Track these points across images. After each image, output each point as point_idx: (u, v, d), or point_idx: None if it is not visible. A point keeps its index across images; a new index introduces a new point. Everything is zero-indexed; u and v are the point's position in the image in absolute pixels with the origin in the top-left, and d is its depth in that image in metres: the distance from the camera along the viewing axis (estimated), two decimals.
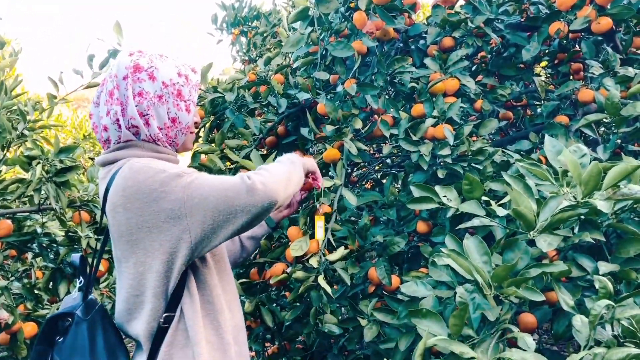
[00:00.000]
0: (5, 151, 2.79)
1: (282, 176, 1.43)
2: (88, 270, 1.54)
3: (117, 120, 1.39)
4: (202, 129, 2.65)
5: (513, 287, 1.42)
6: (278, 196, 1.36)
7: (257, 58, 5.39)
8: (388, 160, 3.09)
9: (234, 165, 2.35)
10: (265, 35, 4.04)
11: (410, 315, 1.54)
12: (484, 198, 1.87)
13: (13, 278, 3.17)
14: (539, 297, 1.41)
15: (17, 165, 2.84)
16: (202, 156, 2.58)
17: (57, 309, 1.54)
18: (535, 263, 1.51)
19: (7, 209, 2.91)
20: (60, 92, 3.02)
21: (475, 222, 1.87)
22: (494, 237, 1.95)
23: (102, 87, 1.44)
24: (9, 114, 3.48)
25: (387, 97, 2.24)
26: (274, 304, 2.83)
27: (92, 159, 7.63)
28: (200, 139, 2.69)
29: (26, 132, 2.96)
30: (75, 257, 1.57)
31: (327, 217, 2.05)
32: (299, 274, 1.95)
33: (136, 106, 1.38)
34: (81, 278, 1.52)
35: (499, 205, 1.87)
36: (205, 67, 2.66)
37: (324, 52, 2.31)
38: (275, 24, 4.00)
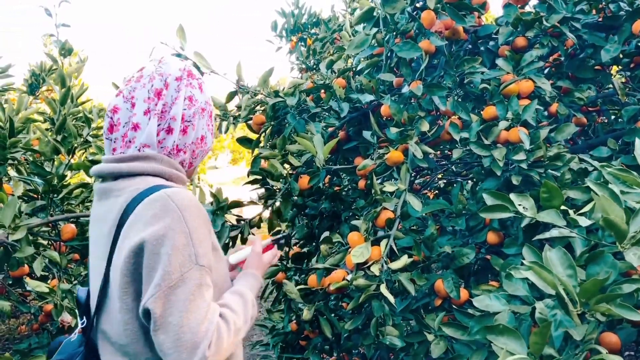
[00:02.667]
0: (70, 156, 2.83)
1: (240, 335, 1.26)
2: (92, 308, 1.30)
3: (156, 118, 1.28)
4: (263, 134, 2.60)
5: (604, 303, 1.28)
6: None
7: (314, 66, 5.37)
8: (453, 168, 2.96)
9: (295, 171, 2.29)
10: (324, 41, 3.99)
11: (486, 331, 1.42)
12: (562, 207, 1.73)
13: (76, 282, 3.22)
14: (636, 316, 1.26)
15: (82, 170, 2.88)
16: (262, 161, 2.54)
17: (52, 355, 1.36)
18: (627, 278, 1.36)
19: (72, 213, 2.95)
20: None
21: (554, 232, 1.73)
22: (571, 249, 1.80)
23: (140, 83, 1.30)
24: (74, 120, 3.55)
25: (456, 98, 2.13)
26: (333, 314, 2.75)
27: None
28: (261, 144, 2.65)
29: (90, 139, 3.00)
30: (82, 291, 1.37)
31: (390, 224, 1.96)
32: (360, 281, 1.86)
33: (183, 109, 1.31)
34: (84, 318, 1.32)
35: (579, 215, 1.73)
36: (266, 72, 2.63)
37: (389, 54, 2.22)
38: (334, 30, 3.94)
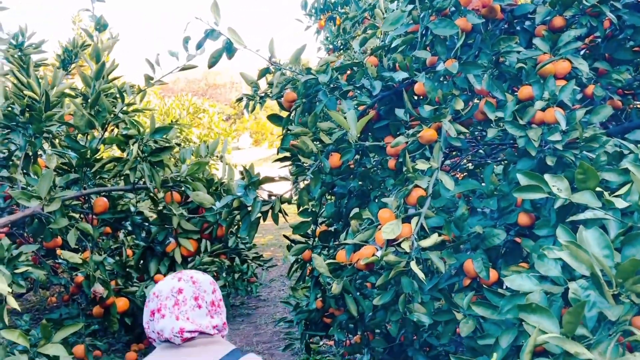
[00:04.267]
0: (103, 131, 2.87)
1: None
2: None
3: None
4: (294, 112, 2.61)
5: None
6: None
7: (341, 46, 5.34)
8: (482, 151, 2.94)
9: (326, 149, 2.30)
10: (354, 20, 3.97)
11: (519, 310, 1.42)
12: (597, 189, 1.71)
13: (106, 255, 3.29)
14: None
15: (115, 144, 2.92)
16: (292, 139, 2.55)
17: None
18: None
19: (104, 187, 3.00)
20: (156, 75, 3.08)
21: (588, 214, 1.71)
22: (605, 232, 1.78)
23: (185, 306, 1.65)
24: (105, 96, 3.59)
25: (491, 77, 2.10)
26: (358, 293, 2.77)
27: (179, 144, 7.88)
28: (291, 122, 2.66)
29: (121, 115, 3.03)
30: None
31: (421, 202, 1.95)
32: (391, 257, 1.86)
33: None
34: None
35: (615, 197, 1.72)
36: (298, 50, 2.62)
37: (424, 31, 2.20)
38: (365, 9, 3.91)
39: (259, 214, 2.16)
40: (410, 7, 2.18)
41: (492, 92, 2.11)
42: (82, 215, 3.11)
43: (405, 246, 1.84)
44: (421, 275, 1.77)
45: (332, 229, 2.91)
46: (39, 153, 3.14)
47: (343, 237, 2.14)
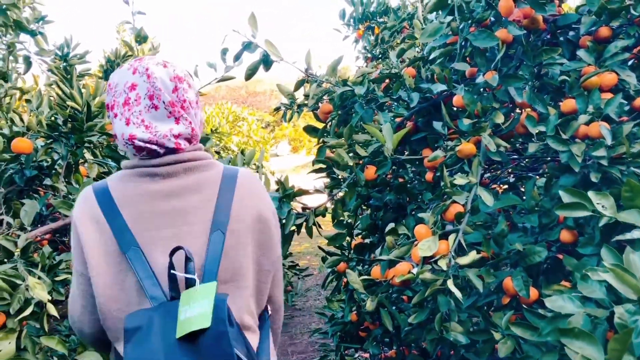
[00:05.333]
0: None
1: None
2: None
3: (190, 122, 1.39)
4: (330, 123, 2.59)
5: None
6: None
7: (380, 55, 5.30)
8: (524, 163, 2.85)
9: (362, 161, 2.27)
10: (393, 30, 3.94)
11: (560, 334, 1.36)
12: None
13: None
14: None
15: None
16: (328, 150, 2.53)
17: None
18: None
19: None
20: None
21: (635, 234, 1.64)
22: None
23: (137, 107, 1.34)
24: None
25: (533, 90, 2.04)
26: (394, 307, 2.72)
27: (218, 152, 7.97)
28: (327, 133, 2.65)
29: None
30: (187, 248, 1.43)
31: (459, 218, 1.90)
32: (427, 275, 1.82)
33: (190, 115, 1.40)
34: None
35: None
36: (335, 61, 2.61)
37: (463, 43, 2.15)
38: (403, 18, 3.88)
39: (293, 227, 2.15)
40: (449, 18, 2.14)
41: (533, 105, 2.05)
42: None
43: (442, 264, 1.79)
44: (458, 294, 1.73)
45: (367, 241, 2.88)
46: (80, 162, 3.21)
47: (378, 252, 2.11)
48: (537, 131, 1.98)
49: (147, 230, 1.30)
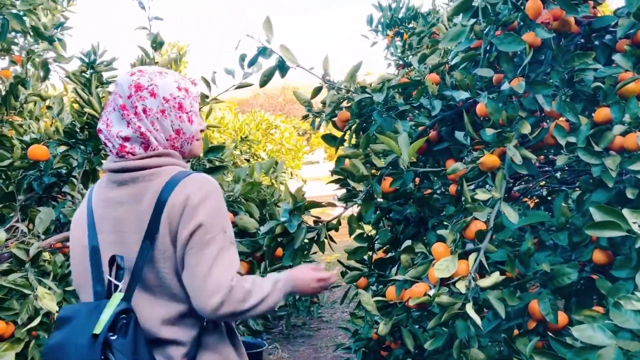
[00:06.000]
0: None
1: (260, 302, 1.46)
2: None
3: (139, 128, 1.47)
4: (348, 132, 2.48)
5: None
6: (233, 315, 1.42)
7: (411, 62, 5.16)
8: (557, 175, 2.68)
9: (379, 172, 2.15)
10: (421, 36, 3.80)
11: None
12: None
13: None
14: None
15: None
16: (346, 160, 2.42)
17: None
18: None
19: None
20: (212, 93, 3.04)
21: None
22: None
23: (109, 107, 1.53)
24: None
25: (563, 98, 1.89)
26: (417, 325, 2.58)
27: (248, 160, 7.94)
28: (345, 143, 2.53)
29: None
30: (119, 256, 1.60)
31: (481, 236, 1.76)
32: (444, 298, 1.68)
33: (146, 121, 1.48)
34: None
35: None
36: (354, 67, 2.49)
37: (487, 47, 2.01)
38: (433, 23, 3.73)
39: (304, 242, 2.03)
40: (473, 21, 2.00)
41: (564, 114, 1.89)
42: None
43: (461, 286, 1.65)
44: (478, 320, 1.59)
45: (388, 256, 2.74)
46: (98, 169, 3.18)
47: (393, 271, 1.98)
48: (566, 142, 1.82)
49: (102, 232, 1.49)
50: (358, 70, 2.46)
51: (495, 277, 1.72)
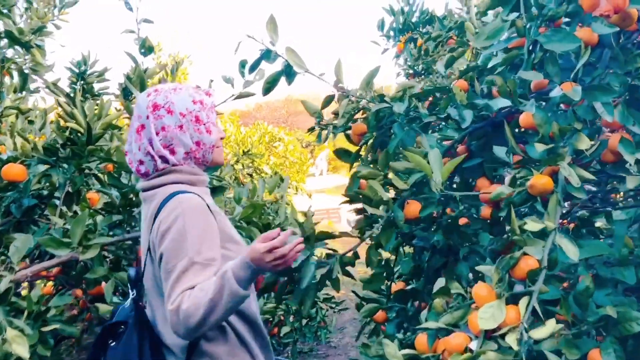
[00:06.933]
0: None
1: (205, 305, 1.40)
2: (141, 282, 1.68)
3: (149, 152, 1.58)
4: (365, 146, 2.16)
5: None
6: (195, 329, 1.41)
7: (423, 71, 4.85)
8: (629, 200, 2.35)
9: (402, 195, 1.83)
10: (438, 40, 3.49)
11: None
12: None
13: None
14: None
15: None
16: (362, 181, 2.10)
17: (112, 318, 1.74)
18: None
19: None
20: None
21: None
22: None
23: (131, 129, 1.64)
24: None
25: (626, 106, 1.56)
26: None
27: (251, 174, 7.62)
28: (360, 159, 2.21)
29: None
30: (132, 270, 1.73)
31: (534, 276, 1.43)
32: (491, 356, 1.36)
33: (160, 140, 1.58)
34: (134, 290, 1.67)
35: None
36: (370, 73, 2.17)
37: (530, 47, 1.70)
38: (451, 27, 3.43)
39: (314, 279, 1.70)
40: (513, 16, 1.68)
41: (627, 126, 1.56)
42: (127, 261, 2.78)
43: (511, 340, 1.33)
44: None
45: (409, 287, 2.41)
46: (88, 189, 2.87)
47: (424, 315, 1.64)
48: (635, 159, 1.50)
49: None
50: (374, 77, 2.14)
51: (552, 326, 1.40)
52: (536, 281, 1.43)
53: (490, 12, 2.24)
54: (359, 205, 1.92)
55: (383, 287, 2.45)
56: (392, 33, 3.83)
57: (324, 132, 2.54)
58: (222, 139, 1.71)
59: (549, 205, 1.48)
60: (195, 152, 1.60)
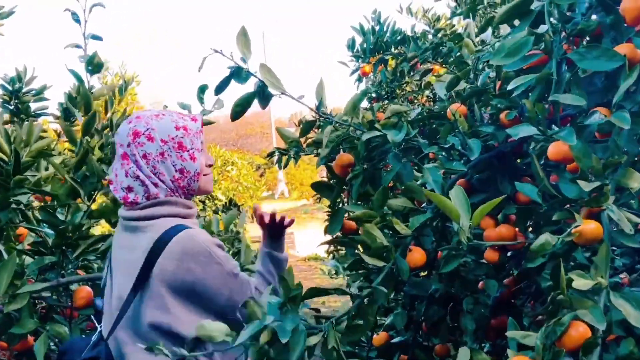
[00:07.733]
0: (90, 201, 2.16)
1: None
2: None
3: (138, 177, 1.52)
4: (353, 180, 1.85)
5: None
6: None
7: (387, 95, 4.61)
8: None
9: (405, 239, 1.52)
10: (413, 62, 3.25)
11: None
12: None
13: None
14: None
15: (105, 219, 2.20)
16: (346, 221, 1.79)
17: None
18: None
19: (87, 275, 2.26)
20: None
21: None
22: None
23: (115, 158, 1.59)
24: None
25: None
26: None
27: (203, 202, 7.19)
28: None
29: None
30: (100, 301, 1.68)
31: (589, 348, 1.14)
32: None
33: (147, 167, 1.53)
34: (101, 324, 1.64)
35: None
36: (356, 96, 1.87)
37: (559, 65, 1.43)
38: (427, 48, 3.20)
39: (304, 352, 1.35)
40: (542, 29, 1.42)
41: None
42: (61, 308, 2.36)
43: None
44: None
45: (396, 340, 2.11)
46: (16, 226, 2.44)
47: None
48: None
49: (109, 272, 1.65)
50: (362, 101, 1.85)
51: None
52: (591, 353, 1.14)
53: (489, 28, 2.00)
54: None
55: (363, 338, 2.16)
56: (362, 53, 3.57)
57: (285, 158, 2.29)
58: (209, 165, 1.66)
59: (599, 256, 1.20)
60: (179, 180, 1.56)
